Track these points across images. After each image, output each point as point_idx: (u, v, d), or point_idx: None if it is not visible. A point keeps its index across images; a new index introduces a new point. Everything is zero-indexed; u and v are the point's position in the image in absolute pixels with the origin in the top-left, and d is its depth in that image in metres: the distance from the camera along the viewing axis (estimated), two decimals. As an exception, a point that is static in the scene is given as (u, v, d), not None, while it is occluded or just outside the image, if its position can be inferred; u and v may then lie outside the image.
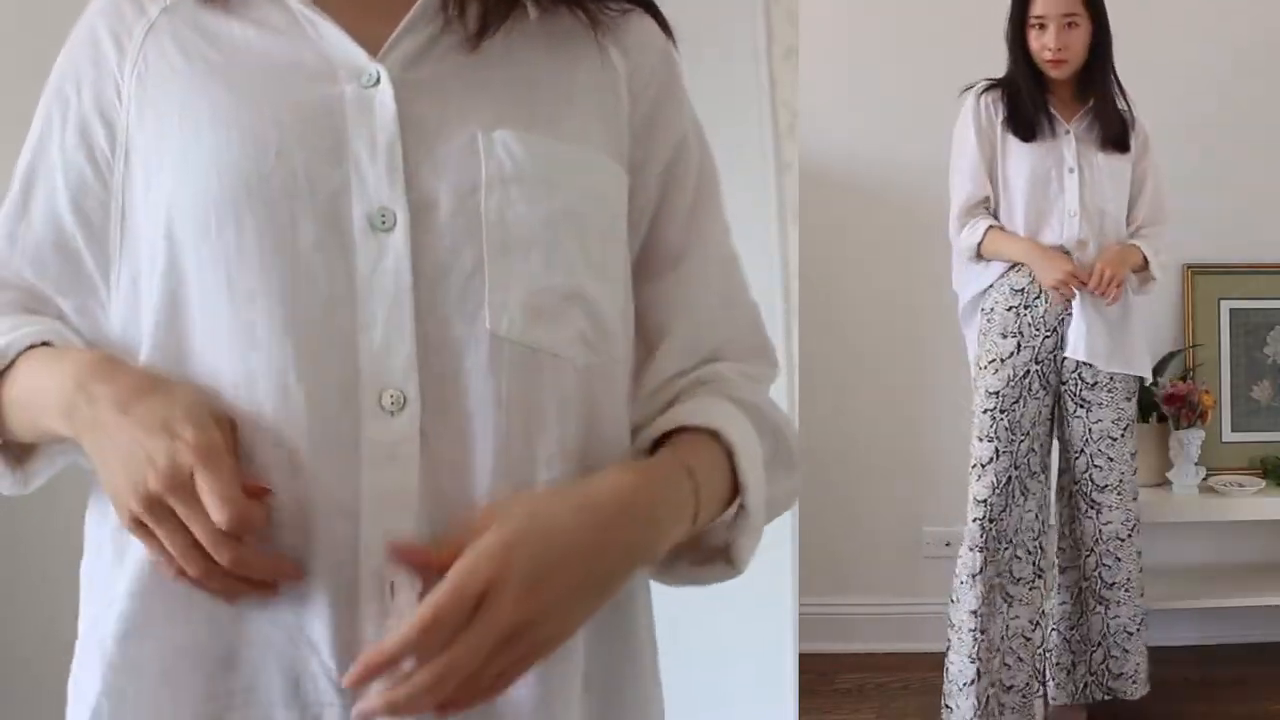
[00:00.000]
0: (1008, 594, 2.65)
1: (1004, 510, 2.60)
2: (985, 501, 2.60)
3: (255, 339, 0.98)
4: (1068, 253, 2.58)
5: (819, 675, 3.15)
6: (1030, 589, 2.67)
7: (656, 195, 1.17)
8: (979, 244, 2.63)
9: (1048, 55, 2.60)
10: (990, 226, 2.62)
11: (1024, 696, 2.71)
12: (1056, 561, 2.82)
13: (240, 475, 0.93)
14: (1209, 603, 3.13)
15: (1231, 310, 3.26)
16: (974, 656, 2.63)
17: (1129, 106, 2.68)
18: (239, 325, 0.99)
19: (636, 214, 1.16)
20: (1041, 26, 2.60)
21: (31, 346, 1.05)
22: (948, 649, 2.71)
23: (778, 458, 1.14)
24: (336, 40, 1.05)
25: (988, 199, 2.65)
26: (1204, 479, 3.14)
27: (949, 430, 3.18)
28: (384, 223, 0.99)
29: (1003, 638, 2.66)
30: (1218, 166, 3.21)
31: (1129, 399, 2.66)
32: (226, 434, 0.96)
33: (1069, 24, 2.59)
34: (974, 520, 2.62)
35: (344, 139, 1.01)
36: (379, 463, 0.97)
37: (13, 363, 1.05)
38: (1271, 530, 3.23)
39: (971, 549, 2.62)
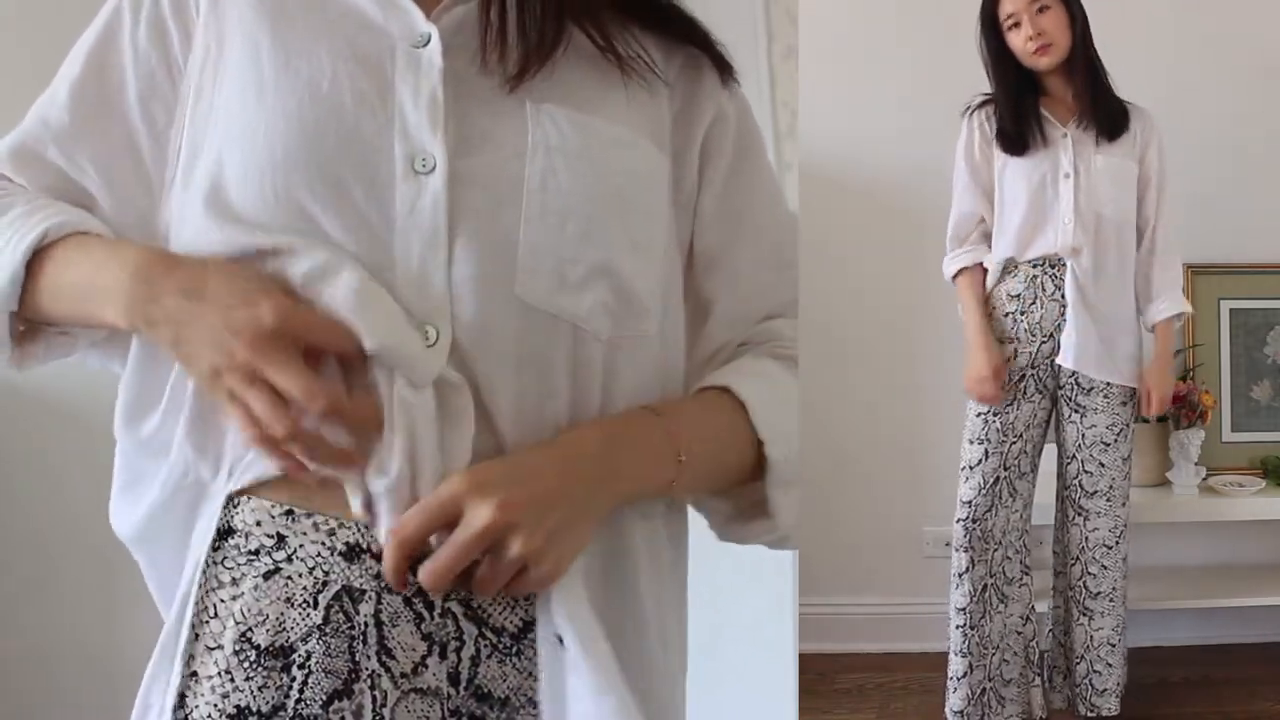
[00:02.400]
0: (1002, 594, 2.64)
1: (989, 511, 2.58)
2: (970, 503, 2.58)
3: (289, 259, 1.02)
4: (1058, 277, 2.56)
5: (819, 675, 3.15)
6: (1020, 586, 2.67)
7: (697, 173, 1.21)
8: (953, 276, 2.64)
9: (1031, 46, 2.53)
10: (962, 271, 2.62)
11: (1020, 689, 2.71)
12: (1052, 564, 2.81)
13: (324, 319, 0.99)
14: (1209, 602, 3.11)
15: (1231, 310, 3.26)
16: (964, 651, 2.63)
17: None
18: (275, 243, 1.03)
19: (685, 197, 1.21)
20: (1016, 24, 2.54)
21: (76, 234, 1.09)
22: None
23: None
24: None
25: (982, 219, 2.63)
26: (1204, 479, 3.13)
27: (948, 429, 3.18)
28: (424, 165, 1.04)
29: (1001, 635, 2.66)
30: (1218, 166, 3.20)
31: (1125, 404, 2.62)
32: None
33: (1040, 9, 2.52)
34: (958, 521, 2.60)
35: (389, 85, 1.06)
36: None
37: (53, 243, 1.08)
38: (1272, 530, 3.23)
39: (957, 549, 2.61)
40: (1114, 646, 2.68)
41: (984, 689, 2.65)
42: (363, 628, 0.99)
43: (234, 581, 1.02)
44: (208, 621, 1.02)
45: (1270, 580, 3.17)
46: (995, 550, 2.61)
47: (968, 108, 2.65)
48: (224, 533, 1.04)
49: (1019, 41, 2.55)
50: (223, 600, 1.02)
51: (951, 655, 2.67)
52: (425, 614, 1.01)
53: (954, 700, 2.65)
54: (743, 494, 1.16)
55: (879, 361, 3.30)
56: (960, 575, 2.61)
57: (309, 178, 1.02)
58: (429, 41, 1.08)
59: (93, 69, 1.15)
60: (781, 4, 2.26)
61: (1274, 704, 2.98)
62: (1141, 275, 2.66)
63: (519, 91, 1.09)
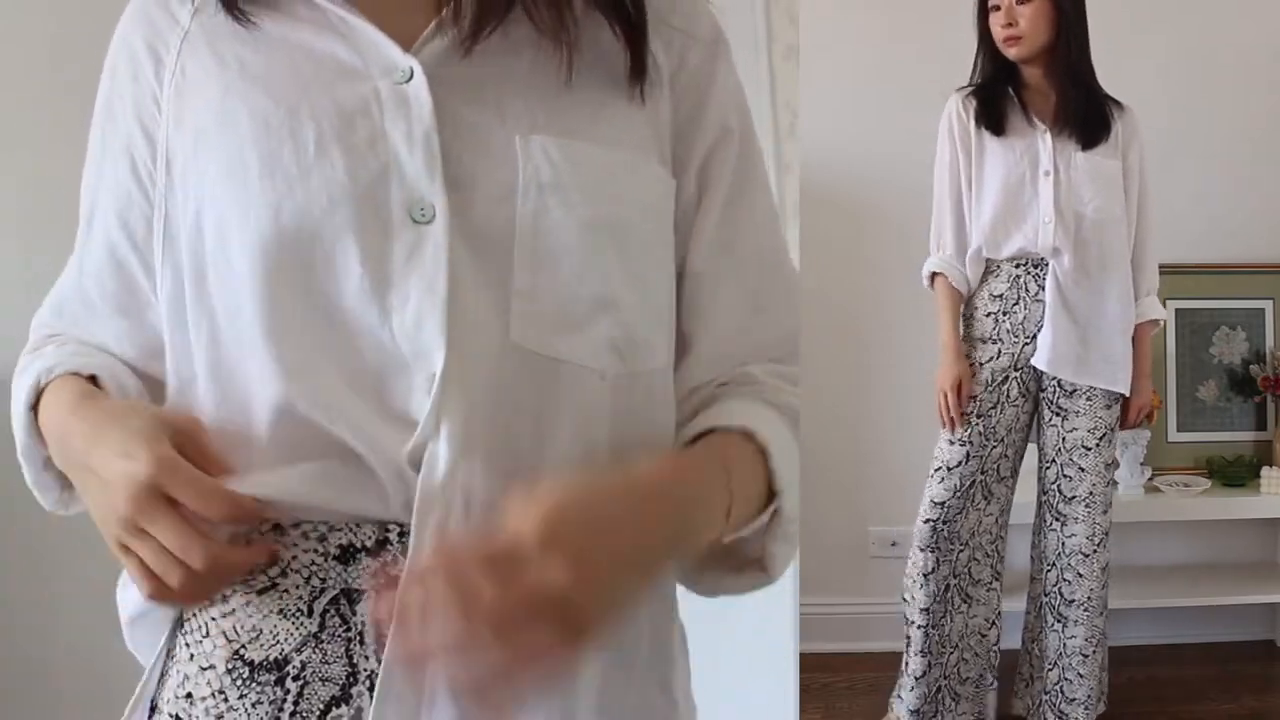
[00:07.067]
0: (967, 594, 2.62)
1: (960, 513, 2.55)
2: (943, 504, 2.55)
3: (290, 326, 0.98)
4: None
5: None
6: (988, 590, 2.65)
7: (696, 192, 1.14)
8: (930, 280, 2.61)
9: (1001, 34, 2.50)
10: (938, 275, 2.58)
11: (977, 688, 2.70)
12: (1029, 569, 2.78)
13: (199, 474, 0.95)
14: (1153, 602, 3.15)
15: (1178, 310, 3.28)
16: (924, 651, 2.61)
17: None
18: (275, 313, 0.98)
19: (680, 215, 1.13)
20: (996, 8, 2.51)
21: (76, 376, 1.08)
22: (907, 644, 2.68)
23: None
24: (369, 36, 1.04)
25: (961, 215, 2.58)
26: (1149, 479, 3.15)
27: (893, 429, 3.18)
28: (423, 215, 0.98)
29: (961, 635, 2.64)
30: (1163, 167, 3.20)
31: (1109, 407, 2.58)
32: (192, 435, 0.98)
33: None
34: (925, 521, 2.57)
35: (381, 131, 1.00)
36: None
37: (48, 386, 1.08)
38: (1217, 530, 3.26)
39: (922, 549, 2.58)
40: (1086, 657, 2.64)
41: (939, 687, 2.64)
42: (359, 628, 0.96)
43: (224, 599, 1.00)
44: (200, 641, 1.00)
45: (1216, 580, 3.21)
46: (961, 551, 2.59)
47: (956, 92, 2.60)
48: None
49: (995, 26, 2.52)
50: (213, 618, 1.00)
51: (910, 655, 2.64)
52: None
53: (910, 699, 2.64)
54: (738, 549, 1.08)
55: (830, 360, 3.27)
56: (926, 575, 2.57)
57: (311, 246, 0.98)
58: (412, 76, 1.02)
59: (90, 211, 1.13)
60: (781, 4, 2.23)
61: (1219, 704, 3.01)
62: (1133, 278, 2.62)
63: (508, 124, 1.02)
